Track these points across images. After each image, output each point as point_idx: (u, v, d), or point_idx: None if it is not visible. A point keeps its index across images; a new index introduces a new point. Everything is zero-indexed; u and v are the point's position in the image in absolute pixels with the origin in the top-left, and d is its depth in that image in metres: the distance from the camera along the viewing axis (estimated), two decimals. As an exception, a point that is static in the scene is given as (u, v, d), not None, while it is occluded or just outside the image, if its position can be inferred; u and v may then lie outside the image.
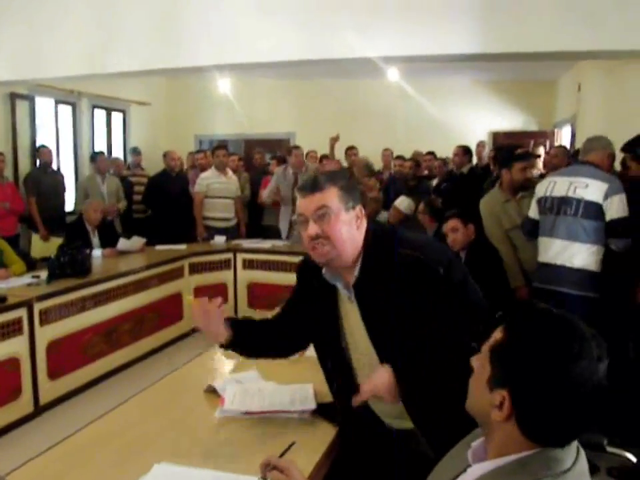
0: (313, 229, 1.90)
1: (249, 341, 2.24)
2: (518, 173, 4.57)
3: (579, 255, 3.86)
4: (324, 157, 8.50)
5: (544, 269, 4.05)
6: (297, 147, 7.36)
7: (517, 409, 1.19)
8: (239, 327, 2.20)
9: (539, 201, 4.14)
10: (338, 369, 2.14)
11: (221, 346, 2.19)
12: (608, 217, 3.79)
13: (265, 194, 7.52)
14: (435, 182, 7.90)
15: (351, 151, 8.63)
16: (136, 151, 9.39)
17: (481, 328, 1.65)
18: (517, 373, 1.18)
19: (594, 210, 3.81)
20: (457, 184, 6.86)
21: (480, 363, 1.30)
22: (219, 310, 2.13)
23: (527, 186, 4.54)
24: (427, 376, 1.90)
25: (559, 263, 3.93)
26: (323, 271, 2.05)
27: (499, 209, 4.57)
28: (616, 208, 3.77)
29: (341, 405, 2.18)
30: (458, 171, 7.30)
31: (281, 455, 1.76)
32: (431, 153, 8.55)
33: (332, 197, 1.91)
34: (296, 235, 7.25)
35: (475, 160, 8.21)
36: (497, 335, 1.26)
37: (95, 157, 8.19)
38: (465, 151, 7.33)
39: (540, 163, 7.50)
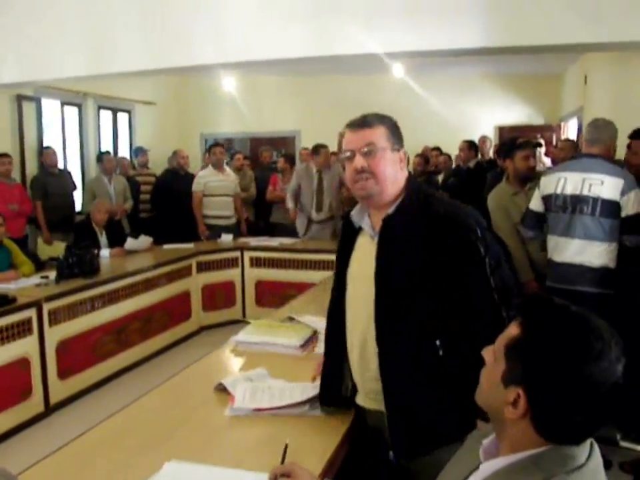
0: (359, 161, 1.96)
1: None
2: (520, 162, 4.52)
3: (598, 253, 3.77)
4: (332, 153, 8.47)
5: (559, 268, 3.94)
6: (324, 146, 7.29)
7: (532, 407, 1.17)
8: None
9: (548, 198, 4.02)
10: (334, 305, 2.21)
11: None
12: (624, 213, 3.70)
13: (288, 198, 7.42)
14: (441, 177, 7.92)
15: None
16: (142, 150, 9.39)
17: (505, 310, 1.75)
18: (535, 371, 1.16)
19: (611, 208, 3.72)
20: (464, 179, 6.86)
21: (493, 357, 1.27)
22: None
23: (531, 176, 4.49)
24: (421, 337, 1.93)
25: (578, 262, 3.83)
26: (352, 212, 2.12)
27: (507, 201, 4.51)
28: (632, 204, 3.68)
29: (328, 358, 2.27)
30: (465, 166, 7.31)
31: (282, 461, 1.75)
32: (437, 149, 8.55)
33: (380, 135, 1.99)
34: (313, 231, 7.23)
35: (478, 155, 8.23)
36: (513, 330, 1.23)
37: (101, 157, 8.20)
38: (470, 145, 7.35)
39: (543, 155, 7.49)
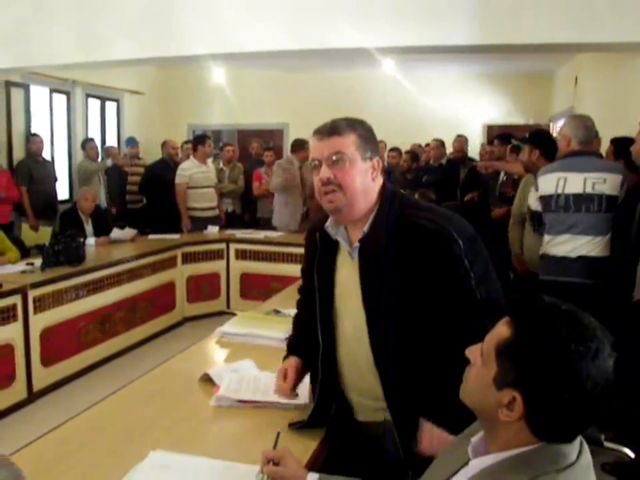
0: (325, 172, 1.83)
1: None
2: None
3: (603, 246, 3.89)
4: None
5: (561, 262, 3.97)
6: (307, 141, 7.36)
7: (529, 409, 1.15)
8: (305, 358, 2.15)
9: (547, 198, 4.01)
10: (323, 329, 2.02)
11: None
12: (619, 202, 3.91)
13: (277, 185, 7.43)
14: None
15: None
16: (134, 142, 9.34)
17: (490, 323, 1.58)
18: (531, 373, 1.14)
19: (614, 202, 3.86)
20: (441, 176, 7.01)
21: (481, 358, 1.24)
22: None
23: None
24: (416, 351, 1.83)
25: (582, 255, 3.90)
26: (327, 222, 1.96)
27: (528, 189, 4.51)
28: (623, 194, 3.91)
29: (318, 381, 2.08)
30: (436, 163, 7.45)
31: (274, 447, 1.75)
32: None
33: (349, 143, 1.83)
34: (305, 224, 7.25)
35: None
36: (503, 330, 1.20)
37: (85, 144, 8.17)
38: (442, 144, 7.53)
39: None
